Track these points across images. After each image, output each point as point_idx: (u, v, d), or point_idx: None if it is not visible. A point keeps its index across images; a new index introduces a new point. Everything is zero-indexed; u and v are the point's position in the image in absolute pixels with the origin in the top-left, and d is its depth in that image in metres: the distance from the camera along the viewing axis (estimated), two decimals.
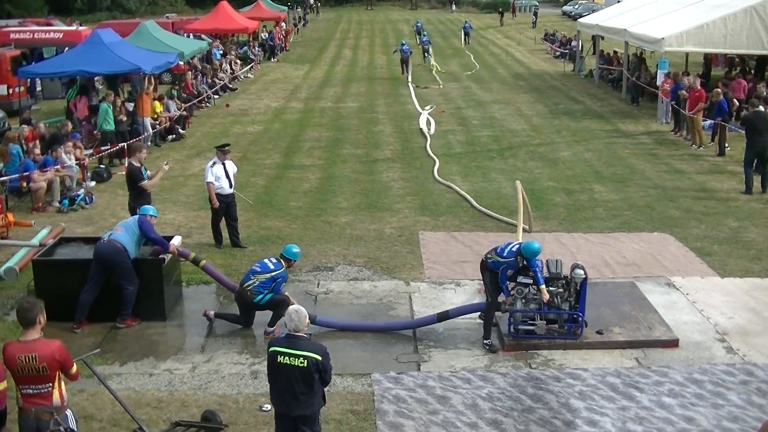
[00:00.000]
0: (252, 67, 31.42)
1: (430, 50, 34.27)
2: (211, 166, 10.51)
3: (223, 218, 10.73)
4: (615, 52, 28.27)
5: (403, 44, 31.01)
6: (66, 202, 12.83)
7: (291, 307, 5.41)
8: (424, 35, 37.73)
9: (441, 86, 27.11)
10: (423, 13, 71.95)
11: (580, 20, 31.83)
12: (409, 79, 28.22)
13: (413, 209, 12.66)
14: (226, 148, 10.75)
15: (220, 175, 10.49)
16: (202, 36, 31.64)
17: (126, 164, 10.53)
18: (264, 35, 37.77)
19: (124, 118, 16.98)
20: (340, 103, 23.83)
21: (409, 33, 47.03)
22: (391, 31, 51.09)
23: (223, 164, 10.56)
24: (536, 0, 76.51)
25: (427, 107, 21.98)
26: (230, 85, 26.56)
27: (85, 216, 12.42)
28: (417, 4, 79.53)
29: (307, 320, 5.33)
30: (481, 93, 25.75)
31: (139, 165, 10.12)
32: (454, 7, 73.11)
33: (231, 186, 10.63)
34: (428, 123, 19.88)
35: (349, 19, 63.58)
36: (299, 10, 59.87)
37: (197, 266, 8.80)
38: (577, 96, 24.91)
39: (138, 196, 9.88)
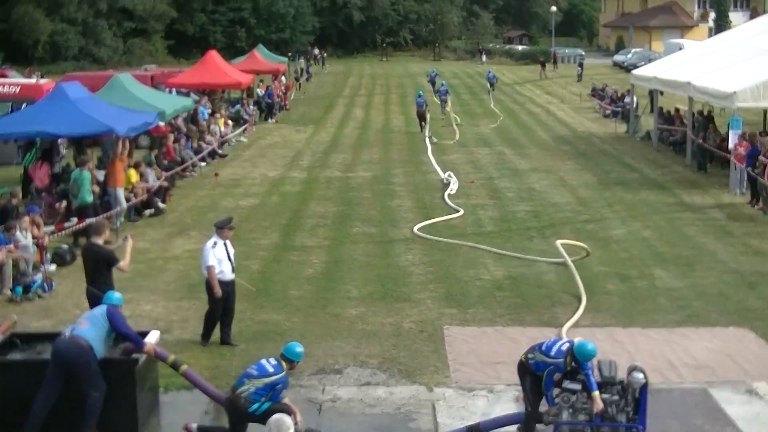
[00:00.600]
0: (246, 129, 32.14)
1: (449, 101, 37.35)
2: (212, 247, 10.60)
3: None
4: (677, 110, 28.63)
5: (420, 95, 34.01)
6: (19, 289, 12.79)
7: (272, 417, 5.41)
8: (441, 85, 40.33)
9: (457, 140, 30.08)
10: (448, 64, 74.14)
11: (634, 72, 32.28)
12: (427, 134, 30.43)
13: (437, 299, 12.77)
14: (230, 224, 10.96)
15: (221, 258, 10.61)
16: (188, 92, 32.48)
17: (87, 244, 10.51)
18: (260, 91, 38.70)
19: (96, 189, 17.06)
20: (350, 173, 24.34)
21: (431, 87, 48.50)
22: (411, 86, 52.49)
23: (225, 245, 10.69)
24: (581, 49, 78.52)
25: (447, 174, 22.71)
26: (220, 151, 27.14)
27: (43, 306, 12.49)
28: (441, 54, 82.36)
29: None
30: (517, 159, 26.28)
31: (104, 244, 10.24)
32: (484, 57, 75.42)
33: (233, 270, 10.79)
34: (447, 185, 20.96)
35: (361, 72, 65.46)
36: (301, 61, 61.67)
37: (176, 371, 8.87)
38: (632, 162, 25.28)
39: (105, 281, 9.91)
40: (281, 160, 26.54)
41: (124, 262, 10.13)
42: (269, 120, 36.37)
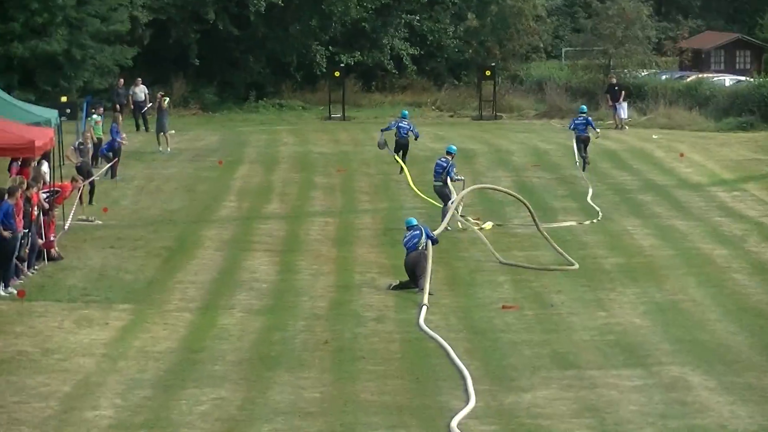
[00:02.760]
0: None
1: (452, 187, 47.41)
2: None
3: None
4: None
5: (411, 225, 40.46)
6: None
7: None
8: (449, 152, 49.78)
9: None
10: (515, 127, 78.94)
11: None
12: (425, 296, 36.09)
13: None
14: None
15: None
16: None
17: None
18: None
19: None
20: None
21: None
22: (406, 195, 54.22)
23: None
24: None
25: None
26: None
27: None
28: (498, 102, 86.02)
29: None
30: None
31: None
32: (624, 112, 78.45)
33: None
34: None
35: (271, 152, 68.62)
36: (94, 118, 61.67)
37: None
38: None
39: None
40: (34, 413, 26.62)
41: None
42: (2, 289, 36.88)
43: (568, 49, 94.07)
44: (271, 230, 47.50)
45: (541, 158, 64.06)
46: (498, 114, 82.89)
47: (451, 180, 47.45)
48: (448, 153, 48.28)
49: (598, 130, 59.21)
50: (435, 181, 47.41)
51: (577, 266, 40.41)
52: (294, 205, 52.82)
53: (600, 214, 46.98)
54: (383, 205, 51.76)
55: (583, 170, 55.04)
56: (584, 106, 63.41)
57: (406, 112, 63.88)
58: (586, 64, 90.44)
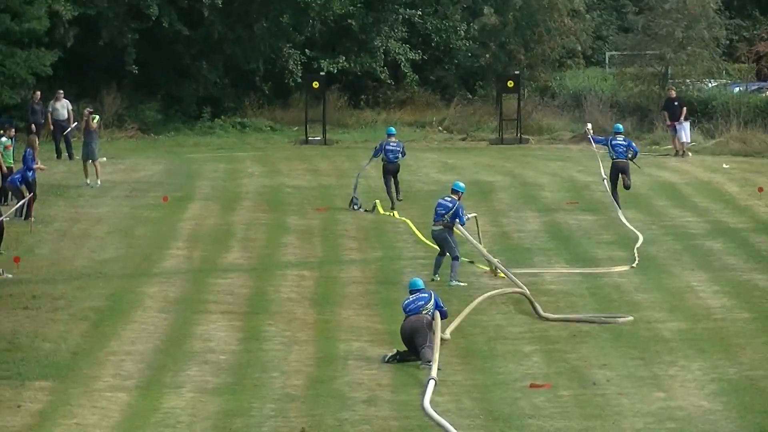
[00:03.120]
0: None
1: (455, 239, 48.24)
2: None
3: None
4: None
5: (416, 289, 39.62)
6: None
7: None
8: (455, 188, 50.26)
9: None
10: (551, 160, 79.03)
11: None
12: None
13: None
14: None
15: None
16: None
17: None
18: None
19: None
20: None
21: None
22: (405, 242, 53.79)
23: None
24: None
25: None
26: None
27: None
28: (523, 128, 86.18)
29: None
30: None
31: None
32: (685, 136, 78.89)
33: None
34: None
35: (232, 182, 69.27)
36: (2, 141, 61.81)
37: None
38: None
39: None
40: None
41: None
42: None
43: (613, 53, 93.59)
44: (231, 286, 47.04)
45: (580, 194, 64.15)
46: (523, 136, 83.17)
47: (461, 224, 47.90)
48: (454, 191, 48.81)
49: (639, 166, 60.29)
50: (434, 224, 47.80)
51: (631, 318, 40.71)
52: (261, 255, 52.71)
53: (636, 259, 47.23)
54: (375, 254, 51.47)
55: (614, 199, 56.85)
56: (620, 125, 63.98)
57: (393, 129, 64.86)
58: (637, 72, 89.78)
